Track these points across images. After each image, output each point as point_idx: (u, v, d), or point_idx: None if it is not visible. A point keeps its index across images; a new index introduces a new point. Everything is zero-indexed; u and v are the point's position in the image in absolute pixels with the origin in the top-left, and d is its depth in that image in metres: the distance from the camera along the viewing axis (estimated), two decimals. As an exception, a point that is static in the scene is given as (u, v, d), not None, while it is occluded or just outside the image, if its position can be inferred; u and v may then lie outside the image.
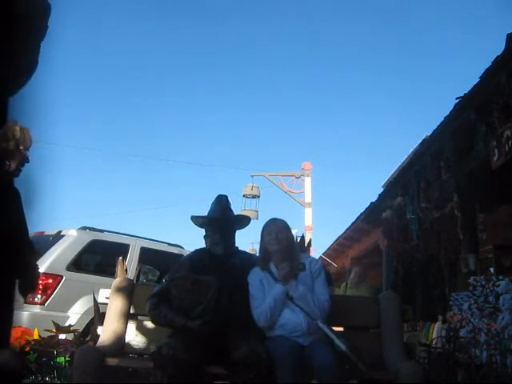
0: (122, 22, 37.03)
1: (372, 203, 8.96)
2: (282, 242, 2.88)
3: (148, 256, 6.51)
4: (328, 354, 2.53)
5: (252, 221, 3.58)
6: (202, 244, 3.07)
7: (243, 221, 3.16)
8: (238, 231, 3.12)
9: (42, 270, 5.33)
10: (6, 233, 2.09)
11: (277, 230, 2.92)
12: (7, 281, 2.15)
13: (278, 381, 2.42)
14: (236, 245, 3.10)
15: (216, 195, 3.08)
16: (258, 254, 3.19)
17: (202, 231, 3.05)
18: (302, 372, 2.47)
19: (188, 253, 6.12)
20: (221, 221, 2.96)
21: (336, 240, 13.21)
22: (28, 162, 2.50)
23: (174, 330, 2.75)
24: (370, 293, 6.29)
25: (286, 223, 3.02)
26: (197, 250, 3.07)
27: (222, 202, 3.03)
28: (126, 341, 3.06)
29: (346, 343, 2.56)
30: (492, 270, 5.75)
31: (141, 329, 3.11)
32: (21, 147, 2.44)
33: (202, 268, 2.87)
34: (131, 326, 3.11)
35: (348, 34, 35.57)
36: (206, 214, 3.04)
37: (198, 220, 3.03)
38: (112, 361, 2.73)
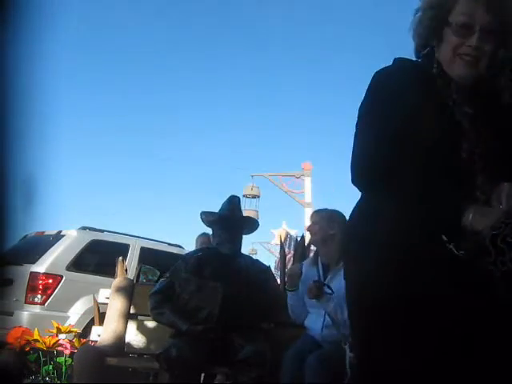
0: (121, 18, 37.12)
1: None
2: (311, 235, 2.87)
3: (148, 256, 6.51)
4: (312, 364, 2.34)
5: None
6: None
7: (252, 225, 3.11)
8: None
9: (42, 270, 5.34)
10: None
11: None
12: None
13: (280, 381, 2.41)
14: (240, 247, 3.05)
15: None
16: (257, 255, 3.18)
17: (201, 231, 3.03)
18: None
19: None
20: (230, 220, 2.92)
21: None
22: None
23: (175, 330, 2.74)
24: None
25: (320, 214, 2.85)
26: (202, 249, 3.04)
27: (233, 202, 2.99)
28: (126, 341, 3.06)
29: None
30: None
31: (141, 329, 3.11)
32: None
33: (209, 269, 2.82)
34: (131, 326, 3.11)
35: (344, 30, 35.64)
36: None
37: (207, 217, 2.96)
38: (112, 361, 2.73)
